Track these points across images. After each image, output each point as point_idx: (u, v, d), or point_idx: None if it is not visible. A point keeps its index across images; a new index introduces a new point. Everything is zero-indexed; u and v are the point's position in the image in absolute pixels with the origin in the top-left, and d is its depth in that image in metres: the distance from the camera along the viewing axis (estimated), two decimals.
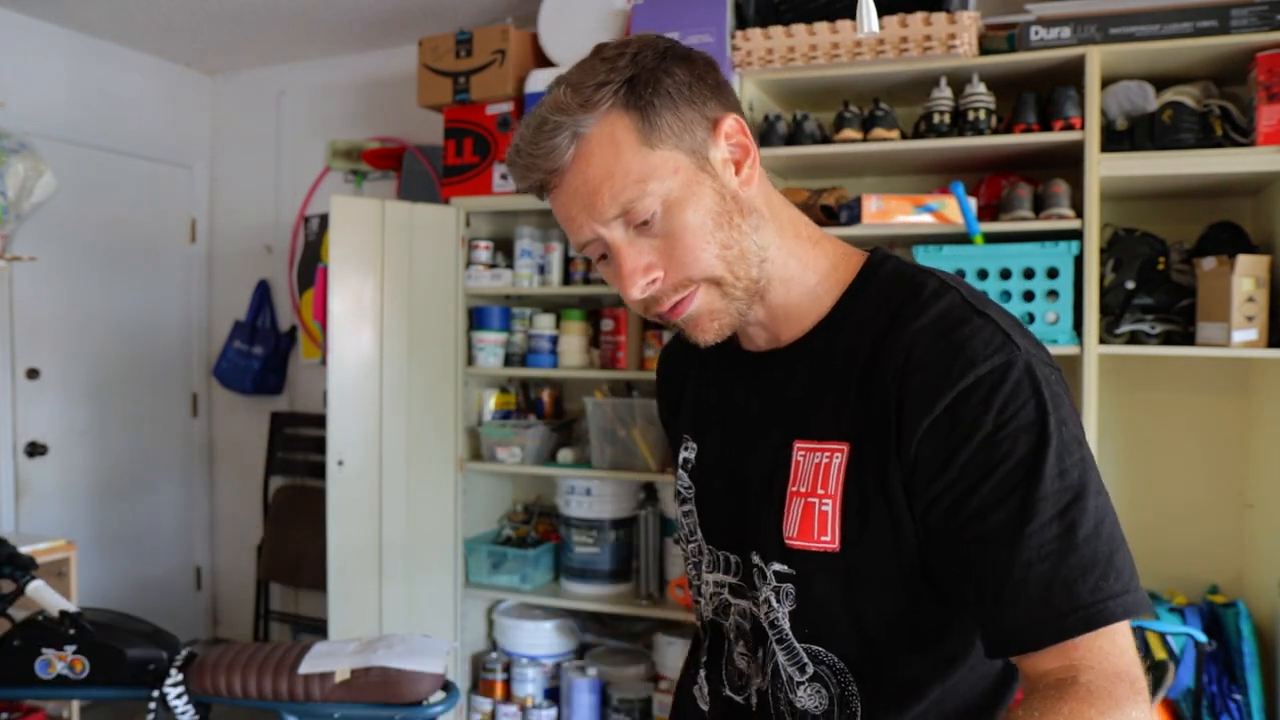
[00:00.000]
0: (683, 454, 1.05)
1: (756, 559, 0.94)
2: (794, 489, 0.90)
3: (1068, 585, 0.76)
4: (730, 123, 0.90)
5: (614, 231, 0.87)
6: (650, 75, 0.87)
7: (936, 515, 0.82)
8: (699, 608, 1.07)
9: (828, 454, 0.88)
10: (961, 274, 2.61)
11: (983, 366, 0.81)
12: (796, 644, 0.92)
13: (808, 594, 0.90)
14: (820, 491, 0.88)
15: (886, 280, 0.92)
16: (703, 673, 1.07)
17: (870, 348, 0.87)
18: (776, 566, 0.92)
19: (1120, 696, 0.74)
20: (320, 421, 3.81)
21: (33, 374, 3.76)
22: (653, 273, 0.87)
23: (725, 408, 1.01)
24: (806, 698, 0.92)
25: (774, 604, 0.93)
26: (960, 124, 2.64)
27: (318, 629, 3.93)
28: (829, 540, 0.88)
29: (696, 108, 0.88)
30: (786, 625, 0.92)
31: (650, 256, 0.87)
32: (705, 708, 1.06)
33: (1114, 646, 0.77)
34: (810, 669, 0.92)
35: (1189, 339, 2.50)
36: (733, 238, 0.88)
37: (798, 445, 0.91)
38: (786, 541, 0.90)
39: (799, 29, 2.69)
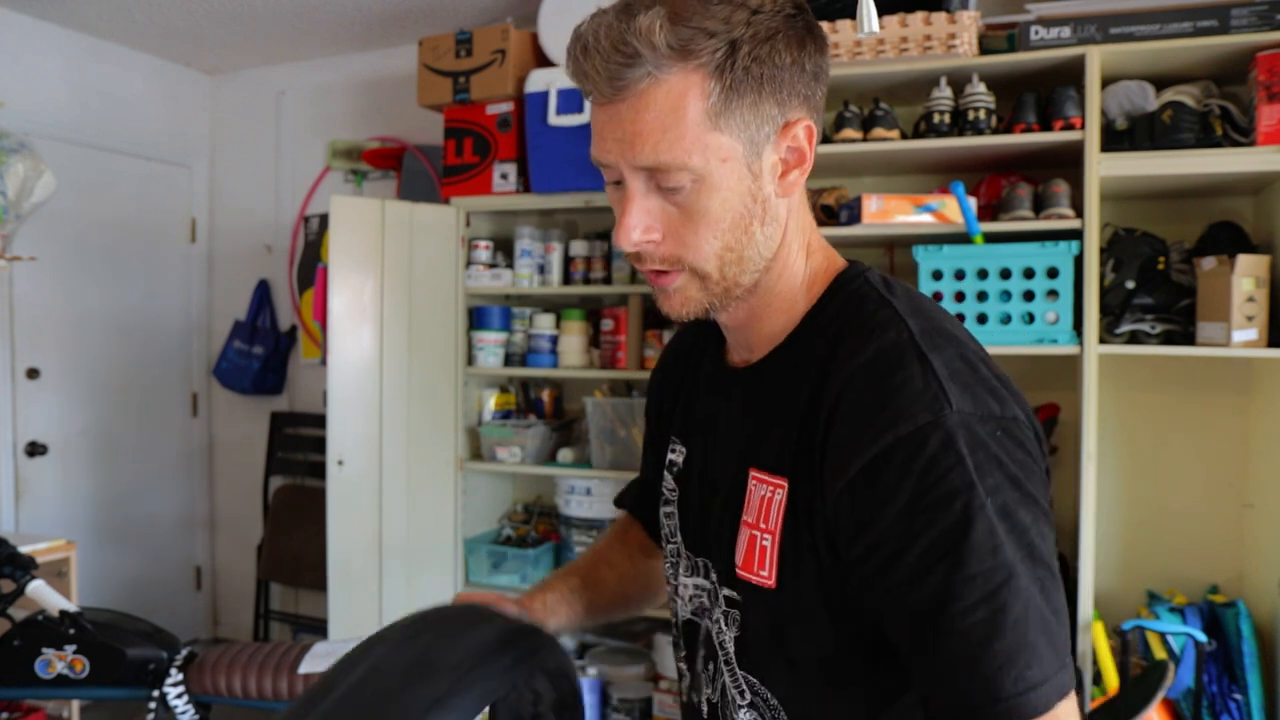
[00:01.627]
0: (669, 456, 1.03)
1: (714, 578, 0.94)
2: (745, 518, 0.88)
3: (988, 678, 0.71)
4: (801, 130, 0.85)
5: (636, 178, 0.82)
6: (755, 50, 0.80)
7: (863, 578, 0.78)
8: (674, 607, 1.05)
9: (771, 488, 0.85)
10: (962, 274, 2.61)
11: (904, 426, 0.75)
12: (738, 670, 0.91)
13: (748, 624, 0.89)
14: (763, 526, 0.85)
15: (844, 302, 0.88)
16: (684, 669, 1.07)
17: (814, 379, 0.83)
18: (726, 592, 0.91)
19: None
20: (320, 421, 3.81)
21: (33, 374, 3.76)
22: (651, 234, 0.84)
23: (708, 420, 0.98)
24: None
25: (723, 627, 0.92)
26: (960, 124, 2.64)
27: (318, 629, 3.93)
28: (767, 576, 0.85)
29: (779, 103, 0.82)
30: (732, 650, 0.92)
31: (657, 219, 0.83)
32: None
33: None
34: (748, 696, 0.90)
35: (1189, 339, 2.50)
36: (740, 241, 0.84)
37: (752, 474, 0.88)
38: (737, 570, 0.89)
39: None
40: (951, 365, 0.78)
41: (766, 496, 0.85)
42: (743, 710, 0.91)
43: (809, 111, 0.85)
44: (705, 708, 0.98)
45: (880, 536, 0.75)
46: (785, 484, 0.84)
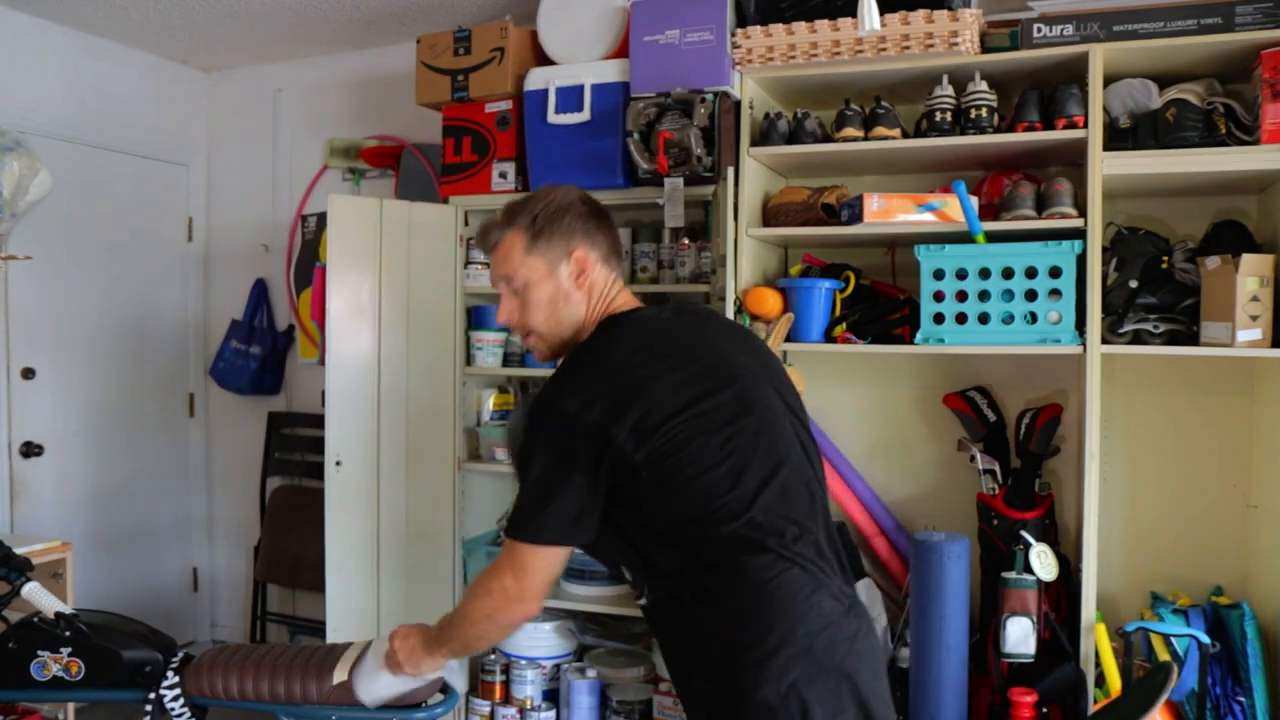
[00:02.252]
0: None
1: None
2: None
3: (514, 518, 1.55)
4: (579, 256, 1.63)
5: (502, 285, 1.67)
6: (546, 219, 1.63)
7: None
8: None
9: None
10: (964, 274, 2.60)
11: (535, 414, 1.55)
12: (639, 574, 1.66)
13: None
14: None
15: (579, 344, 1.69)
16: None
17: None
18: None
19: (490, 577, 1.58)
20: (318, 421, 3.79)
21: (28, 374, 3.74)
22: (513, 316, 1.66)
23: None
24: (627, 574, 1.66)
25: None
26: (962, 122, 2.63)
27: (315, 631, 3.91)
28: None
29: (564, 242, 1.63)
30: None
31: (514, 306, 1.66)
32: None
33: (514, 550, 1.55)
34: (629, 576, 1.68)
35: (1193, 338, 2.49)
36: (553, 315, 1.64)
37: None
38: None
39: (800, 27, 2.68)
40: (567, 374, 1.57)
41: None
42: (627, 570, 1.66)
43: (590, 245, 1.65)
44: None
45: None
46: None
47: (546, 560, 1.51)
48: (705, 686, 1.47)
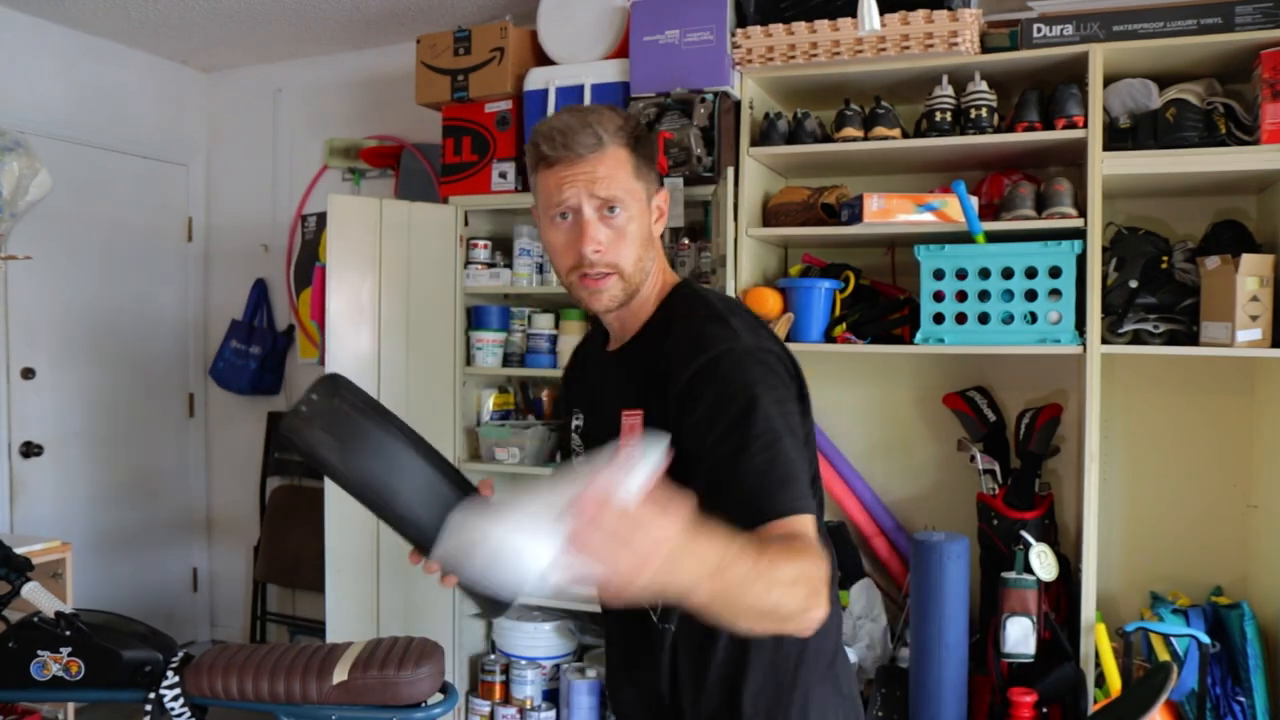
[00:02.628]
0: (575, 421, 1.47)
1: None
2: (623, 442, 1.27)
3: (772, 494, 1.12)
4: (662, 194, 1.37)
5: (590, 207, 1.27)
6: (644, 141, 1.33)
7: (687, 451, 1.16)
8: None
9: (635, 416, 1.28)
10: (964, 274, 2.60)
11: (711, 352, 1.21)
12: None
13: None
14: (632, 441, 1.25)
15: (677, 299, 1.35)
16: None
17: (659, 346, 1.29)
18: None
19: (799, 550, 1.07)
20: None
21: (28, 373, 3.74)
22: (602, 246, 1.27)
23: (592, 389, 1.44)
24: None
25: None
26: (962, 122, 2.63)
27: (315, 631, 3.91)
28: None
29: (654, 174, 1.35)
30: None
31: (604, 237, 1.28)
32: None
33: (801, 524, 1.11)
34: None
35: (1193, 338, 2.49)
36: (643, 254, 1.32)
37: (623, 413, 1.30)
38: None
39: (800, 27, 2.68)
40: (739, 320, 1.27)
41: (633, 423, 1.29)
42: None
43: (663, 186, 1.38)
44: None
45: (700, 420, 1.17)
46: (641, 411, 1.28)
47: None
48: (760, 706, 1.28)
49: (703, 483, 1.13)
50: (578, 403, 1.49)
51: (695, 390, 1.19)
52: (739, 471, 1.13)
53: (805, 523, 1.12)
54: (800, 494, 1.14)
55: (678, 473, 1.10)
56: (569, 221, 1.28)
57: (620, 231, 1.28)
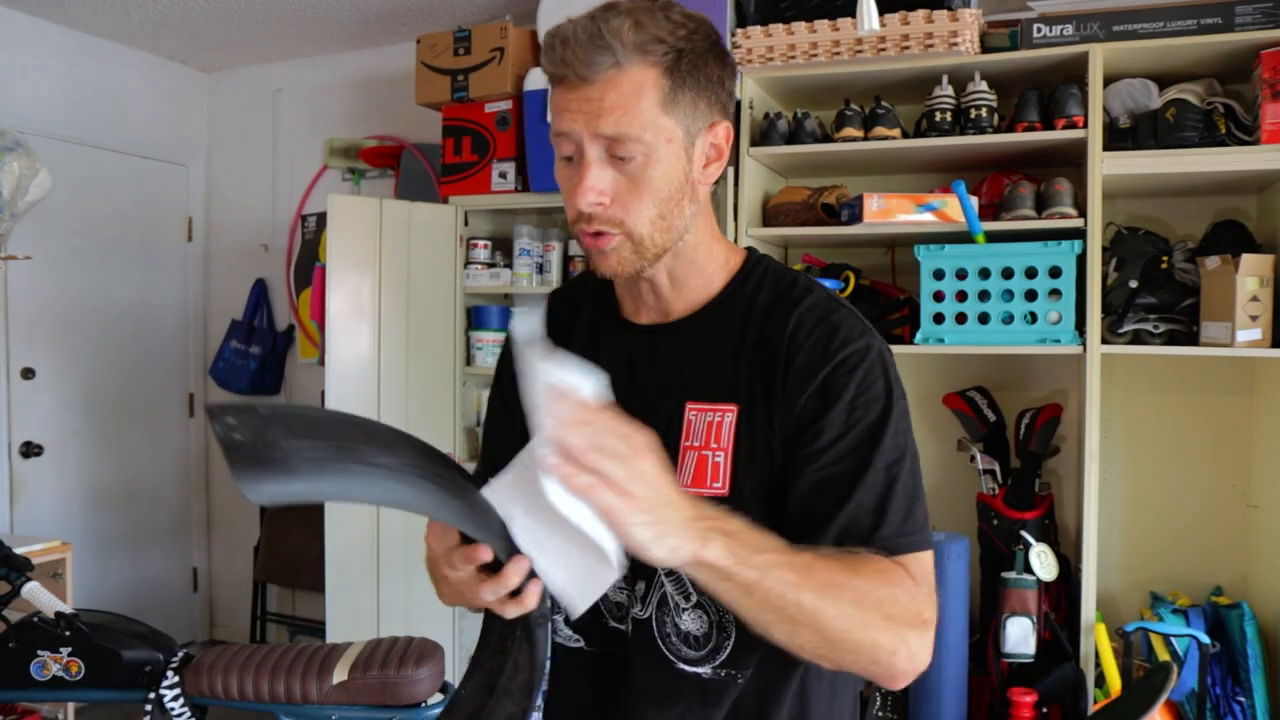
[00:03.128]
0: None
1: None
2: (687, 444, 1.04)
3: (884, 518, 0.97)
4: (723, 129, 1.04)
5: (594, 147, 0.98)
6: (696, 59, 0.99)
7: (803, 456, 1.00)
8: None
9: (719, 413, 1.04)
10: (964, 274, 2.60)
11: (851, 346, 1.01)
12: (683, 575, 1.03)
13: None
14: (714, 445, 1.03)
15: (766, 273, 1.10)
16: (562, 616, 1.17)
17: (759, 324, 1.05)
18: None
19: (911, 589, 0.94)
20: None
21: (28, 374, 3.74)
22: (603, 197, 0.98)
23: (615, 369, 1.04)
24: (690, 621, 1.06)
25: None
26: (962, 122, 2.63)
27: (315, 630, 3.91)
28: (720, 486, 1.02)
29: (709, 104, 1.02)
30: (682, 571, 0.99)
31: (608, 185, 0.98)
32: (574, 645, 1.16)
33: (915, 566, 0.97)
34: (694, 597, 1.05)
35: (1193, 339, 2.49)
36: (671, 212, 1.01)
37: (689, 407, 1.05)
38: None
39: (800, 27, 2.68)
40: (858, 313, 1.06)
41: (714, 421, 1.04)
42: (687, 611, 1.06)
43: (727, 118, 1.06)
44: (632, 626, 1.09)
45: (829, 422, 0.99)
46: (735, 408, 1.03)
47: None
48: None
49: (805, 489, 0.99)
50: None
51: (832, 386, 0.99)
52: (857, 492, 0.97)
53: (923, 561, 0.97)
54: (921, 525, 0.99)
55: (776, 479, 1.01)
56: (573, 164, 1.00)
57: (634, 181, 0.98)
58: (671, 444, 1.02)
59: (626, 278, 1.05)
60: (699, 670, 1.05)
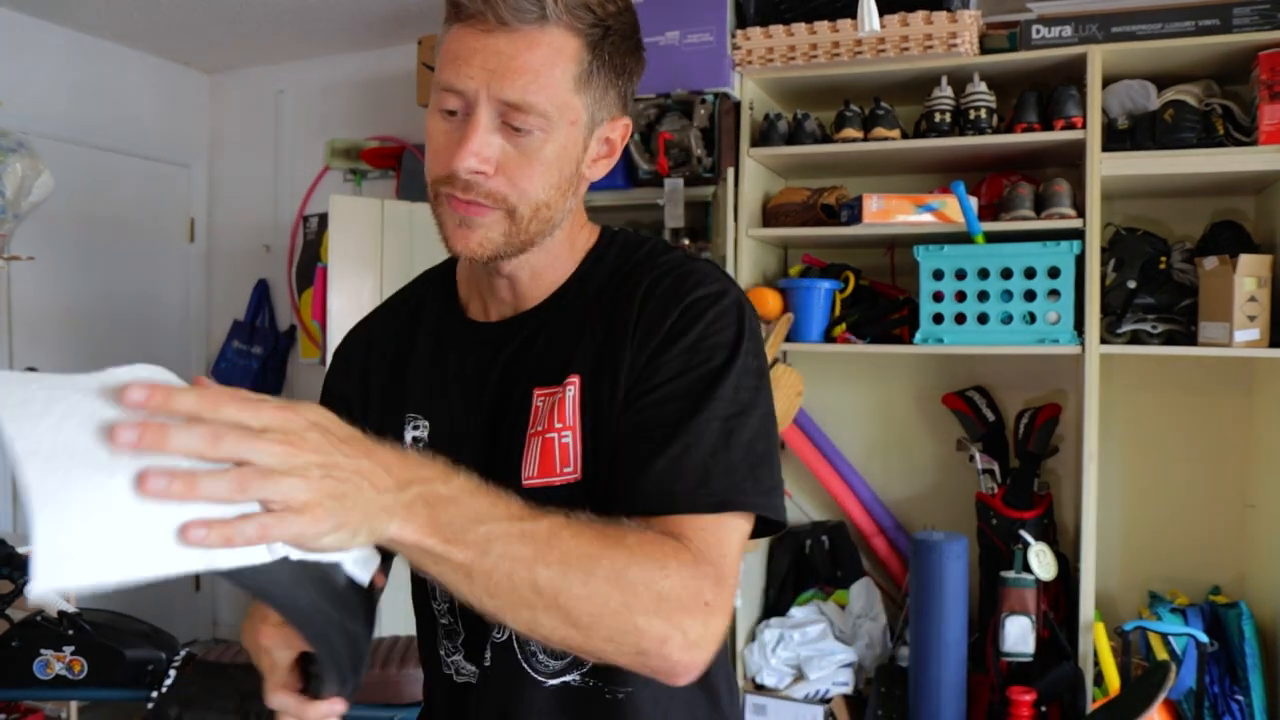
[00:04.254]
0: (410, 434, 1.01)
1: None
2: (532, 430, 0.93)
3: (709, 474, 0.83)
4: (622, 126, 0.96)
5: (488, 110, 0.85)
6: (619, 43, 0.91)
7: (631, 399, 0.89)
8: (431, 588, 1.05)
9: (557, 391, 0.92)
10: (963, 274, 2.61)
11: (704, 289, 0.92)
12: None
13: None
14: (558, 425, 0.91)
15: (621, 246, 1.01)
16: (445, 646, 1.04)
17: (611, 293, 0.95)
18: None
19: (689, 565, 0.79)
20: None
21: (31, 373, 3.75)
22: (486, 165, 0.86)
23: (464, 378, 1.00)
24: None
25: None
26: (961, 123, 2.64)
27: None
28: (571, 470, 0.91)
29: (618, 95, 0.94)
30: None
31: (494, 153, 0.87)
32: (460, 680, 1.02)
33: (718, 535, 0.82)
34: None
35: (1191, 339, 2.49)
36: (554, 200, 0.91)
37: (537, 393, 0.94)
38: (524, 483, 0.91)
39: (799, 28, 2.69)
40: (719, 267, 0.98)
41: (556, 398, 0.92)
42: None
43: (628, 115, 0.97)
44: (490, 652, 0.97)
45: (664, 362, 0.88)
46: (577, 379, 0.92)
47: (742, 548, 0.87)
48: None
49: (625, 432, 0.88)
50: (416, 405, 1.02)
51: (675, 328, 0.90)
52: (682, 443, 0.84)
53: (721, 532, 0.83)
54: (768, 489, 0.86)
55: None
56: (457, 119, 0.87)
57: (525, 156, 0.87)
58: (519, 435, 0.93)
59: (482, 262, 0.93)
60: (567, 679, 0.93)
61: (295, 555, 0.61)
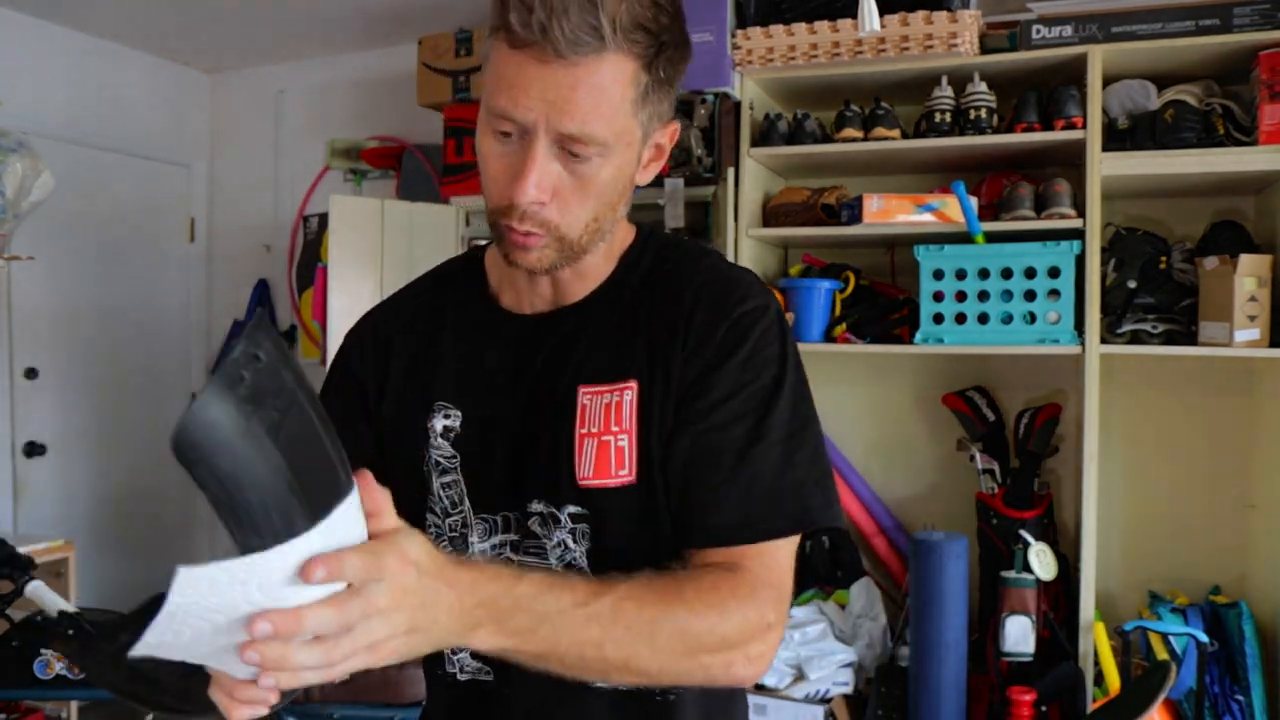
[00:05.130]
0: (441, 422, 1.00)
1: (539, 507, 0.96)
2: (583, 431, 0.94)
3: (781, 498, 0.90)
4: (671, 129, 0.95)
5: (546, 140, 0.85)
6: (673, 53, 0.88)
7: (687, 413, 0.93)
8: None
9: (616, 392, 0.94)
10: (963, 274, 2.61)
11: (750, 303, 0.95)
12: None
13: (604, 530, 0.95)
14: (615, 429, 0.94)
15: (660, 246, 1.03)
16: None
17: (655, 296, 0.97)
18: (571, 509, 0.95)
19: (744, 601, 0.85)
20: None
21: (31, 373, 3.75)
22: (544, 194, 0.86)
23: (503, 370, 1.00)
24: None
25: (570, 545, 0.96)
26: (961, 123, 2.64)
27: None
28: (626, 473, 0.94)
29: (670, 103, 0.93)
30: (584, 563, 0.96)
31: (553, 182, 0.87)
32: (464, 678, 1.01)
33: (775, 556, 0.89)
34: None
35: (1191, 339, 2.49)
36: (604, 215, 0.92)
37: (582, 390, 0.95)
38: (580, 482, 0.94)
39: (800, 28, 2.69)
40: (755, 274, 1.01)
41: (612, 402, 0.94)
42: None
43: (675, 117, 0.97)
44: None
45: (719, 379, 0.92)
46: (635, 384, 0.94)
47: (794, 559, 0.94)
48: None
49: (693, 455, 0.92)
50: (446, 394, 1.01)
51: (728, 342, 0.93)
52: (746, 467, 0.90)
53: (779, 555, 0.89)
54: (824, 502, 0.91)
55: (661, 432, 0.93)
56: (512, 143, 0.86)
57: (581, 182, 0.87)
58: (566, 434, 0.95)
59: (541, 273, 0.94)
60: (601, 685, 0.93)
61: None
